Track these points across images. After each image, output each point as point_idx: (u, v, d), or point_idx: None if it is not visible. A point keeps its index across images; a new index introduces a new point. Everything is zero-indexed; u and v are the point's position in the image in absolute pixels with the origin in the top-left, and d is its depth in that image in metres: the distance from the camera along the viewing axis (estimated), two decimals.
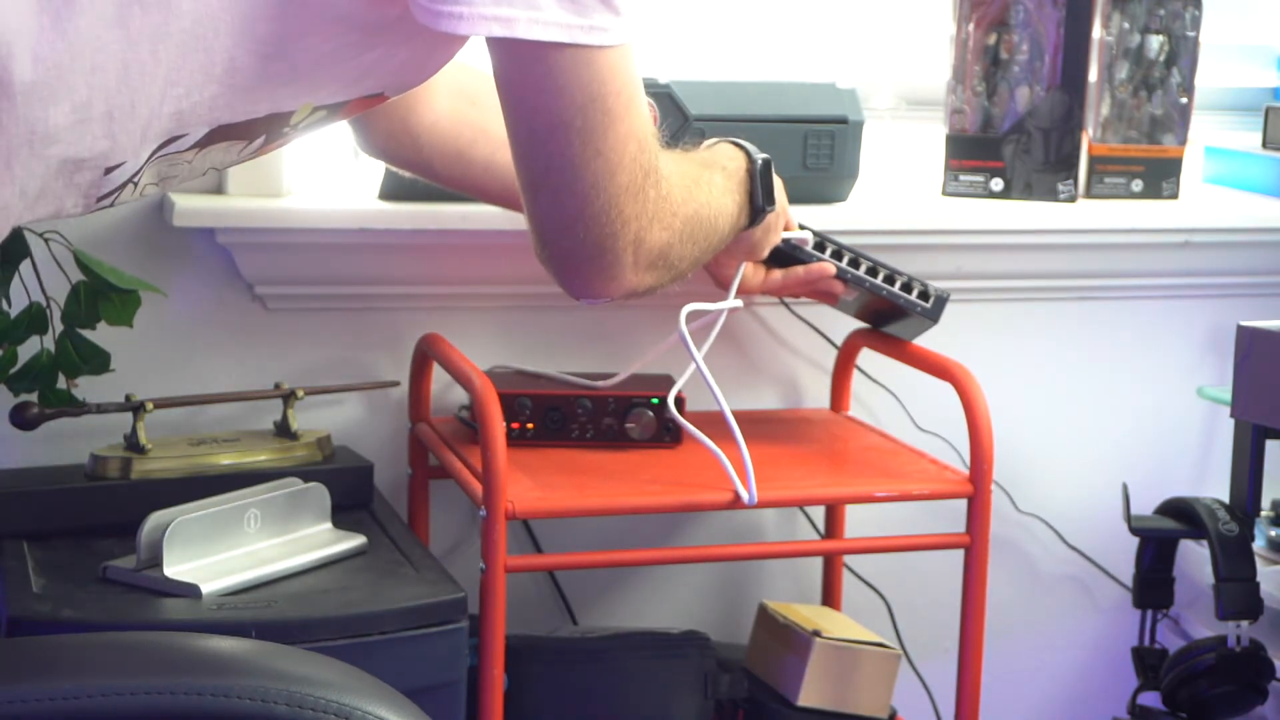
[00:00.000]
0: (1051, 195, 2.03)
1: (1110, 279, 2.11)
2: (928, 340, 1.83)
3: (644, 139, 1.23)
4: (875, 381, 2.03)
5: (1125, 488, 1.89)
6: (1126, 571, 1.99)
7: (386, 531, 1.68)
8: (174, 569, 1.49)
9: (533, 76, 1.16)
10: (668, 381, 1.79)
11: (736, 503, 1.63)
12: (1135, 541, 1.90)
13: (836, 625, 1.83)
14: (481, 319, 1.93)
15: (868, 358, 1.97)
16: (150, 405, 1.70)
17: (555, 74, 1.15)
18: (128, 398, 1.70)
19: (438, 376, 1.86)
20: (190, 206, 1.77)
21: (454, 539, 1.94)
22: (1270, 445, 1.84)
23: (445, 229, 1.83)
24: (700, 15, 2.11)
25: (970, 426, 1.71)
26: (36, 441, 1.72)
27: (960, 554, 1.73)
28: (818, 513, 2.03)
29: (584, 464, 1.73)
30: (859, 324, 1.91)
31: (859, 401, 2.02)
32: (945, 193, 2.06)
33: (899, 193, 2.07)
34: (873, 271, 1.77)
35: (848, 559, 2.02)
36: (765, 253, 1.68)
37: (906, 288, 1.77)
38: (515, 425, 1.77)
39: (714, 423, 1.67)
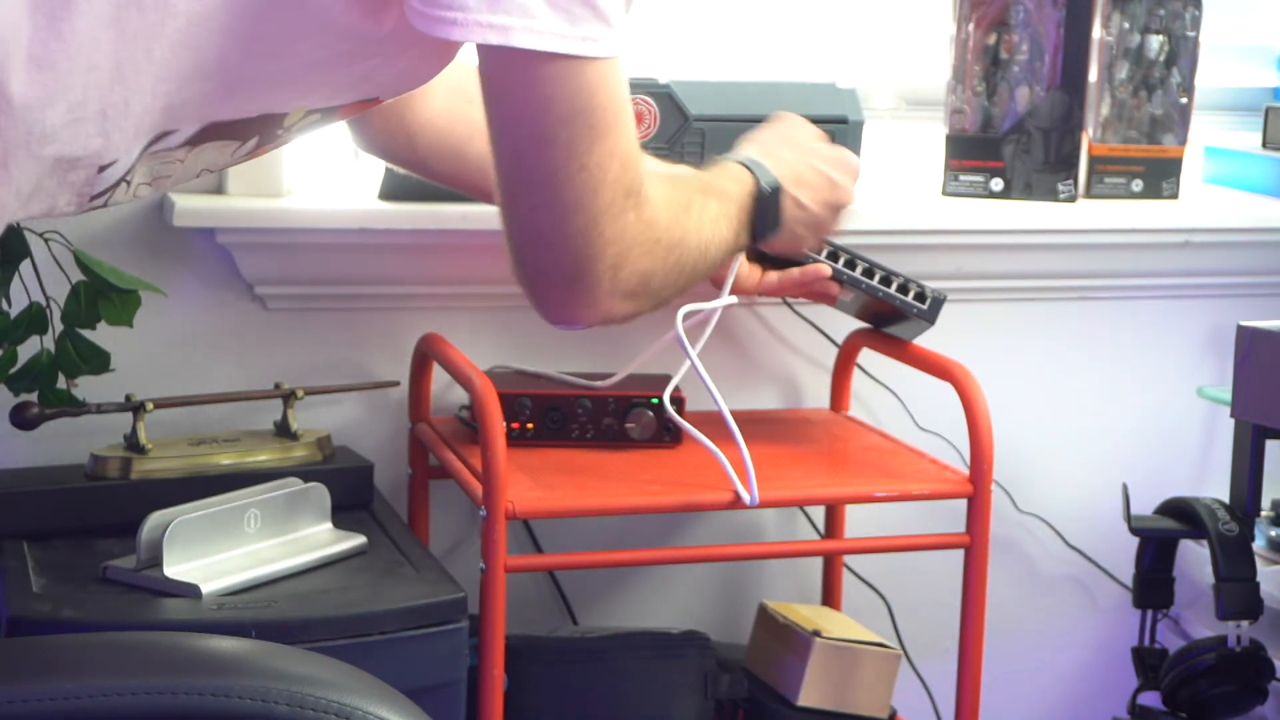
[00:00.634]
0: (1051, 195, 2.03)
1: (1110, 279, 2.11)
2: (928, 340, 1.83)
3: (628, 158, 1.20)
4: (876, 381, 2.03)
5: (1125, 488, 1.89)
6: (1126, 571, 1.99)
7: (386, 531, 1.68)
8: (174, 569, 1.49)
9: (520, 86, 1.15)
10: (668, 381, 1.79)
11: (737, 503, 1.63)
12: (1135, 541, 1.90)
13: (836, 625, 1.83)
14: (481, 319, 1.93)
15: (868, 357, 1.97)
16: (150, 405, 1.70)
17: (544, 84, 1.14)
18: (128, 398, 1.70)
19: (438, 376, 1.86)
20: (190, 206, 1.77)
21: (454, 539, 1.94)
22: (1270, 445, 1.84)
23: (445, 229, 1.83)
24: (700, 15, 2.11)
25: (970, 426, 1.71)
26: (36, 441, 1.72)
27: (960, 554, 1.73)
28: (818, 513, 2.03)
29: (584, 464, 1.73)
30: (859, 323, 1.91)
31: (859, 401, 2.02)
32: (945, 193, 2.06)
33: (899, 193, 2.07)
34: (869, 273, 1.76)
35: (848, 559, 2.02)
36: (802, 250, 1.68)
37: (903, 289, 1.77)
38: (515, 425, 1.77)
39: (714, 422, 1.67)
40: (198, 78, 1.09)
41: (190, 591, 1.47)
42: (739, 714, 1.80)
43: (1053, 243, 2.05)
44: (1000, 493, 2.09)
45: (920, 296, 1.78)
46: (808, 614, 1.84)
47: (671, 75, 1.86)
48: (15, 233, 1.60)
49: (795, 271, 1.74)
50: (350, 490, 1.74)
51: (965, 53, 2.03)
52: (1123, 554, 2.06)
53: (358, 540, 1.62)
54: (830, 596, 2.00)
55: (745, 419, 1.71)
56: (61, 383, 1.66)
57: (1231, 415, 1.84)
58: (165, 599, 1.47)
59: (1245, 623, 1.80)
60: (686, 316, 1.67)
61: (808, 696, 1.77)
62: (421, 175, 1.62)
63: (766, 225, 1.48)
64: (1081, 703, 2.20)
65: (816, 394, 2.04)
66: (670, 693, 1.74)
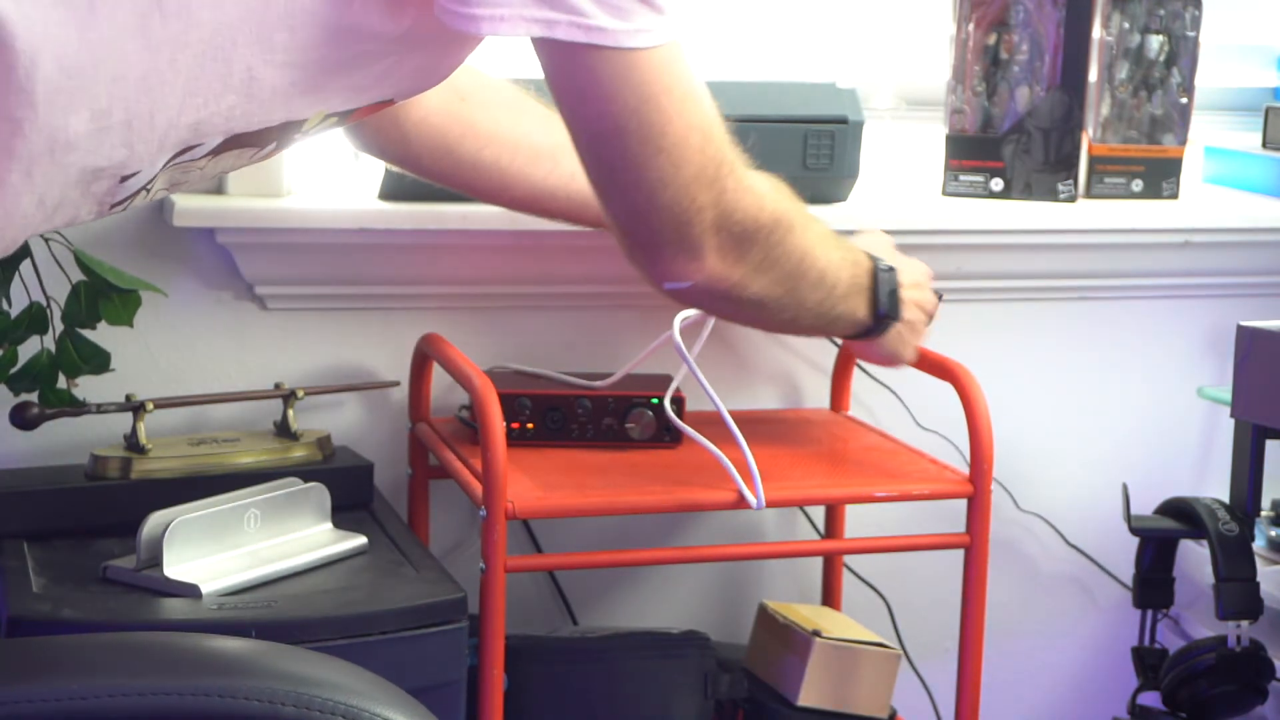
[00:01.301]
0: (1051, 195, 2.03)
1: (1110, 279, 2.11)
2: (928, 340, 1.83)
3: (708, 130, 1.21)
4: (876, 380, 2.03)
5: (1125, 488, 1.89)
6: (1127, 571, 1.99)
7: (386, 531, 1.68)
8: (174, 569, 1.49)
9: (580, 81, 1.15)
10: (668, 381, 1.79)
11: (740, 504, 1.63)
12: (1135, 541, 1.90)
13: (836, 625, 1.83)
14: (481, 319, 1.93)
15: None
16: (150, 405, 1.70)
17: (604, 79, 1.14)
18: (128, 398, 1.70)
19: (438, 376, 1.86)
20: (190, 206, 1.77)
21: (454, 539, 1.94)
22: (1270, 445, 1.84)
23: (445, 229, 1.83)
24: (700, 15, 2.11)
25: (970, 426, 1.71)
26: (36, 441, 1.72)
27: (960, 554, 1.73)
28: (818, 513, 2.03)
29: (584, 464, 1.73)
30: None
31: (859, 401, 2.02)
32: (945, 193, 2.06)
33: (899, 193, 2.07)
34: None
35: (848, 559, 2.02)
36: (904, 361, 1.69)
37: None
38: (515, 425, 1.77)
39: (715, 422, 1.67)
40: (224, 91, 1.09)
41: (190, 591, 1.47)
42: (739, 714, 1.80)
43: (1053, 243, 2.05)
44: (1000, 492, 2.09)
45: None
46: (808, 614, 1.84)
47: None
48: None
49: None
50: (350, 490, 1.74)
51: (965, 53, 2.03)
52: (1123, 554, 2.06)
53: (358, 540, 1.61)
54: (830, 596, 2.00)
55: (745, 419, 1.71)
56: (61, 383, 1.66)
57: (1231, 415, 1.84)
58: (165, 599, 1.47)
59: (1245, 623, 1.80)
60: (683, 318, 1.67)
61: (808, 696, 1.76)
62: (415, 173, 1.62)
63: (886, 305, 1.52)
64: (1081, 703, 2.20)
65: (816, 394, 2.04)
66: (670, 693, 1.74)
